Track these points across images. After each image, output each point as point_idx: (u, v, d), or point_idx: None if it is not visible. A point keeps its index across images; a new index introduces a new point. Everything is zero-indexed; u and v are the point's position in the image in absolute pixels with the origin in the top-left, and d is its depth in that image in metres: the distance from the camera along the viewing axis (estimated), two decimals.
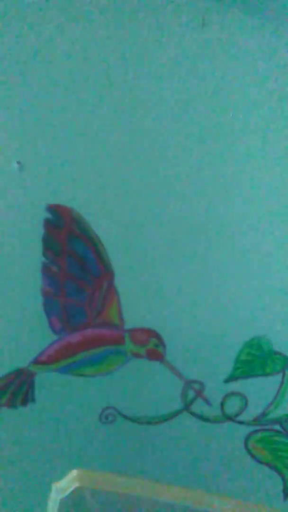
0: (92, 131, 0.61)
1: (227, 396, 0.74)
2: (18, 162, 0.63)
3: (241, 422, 0.75)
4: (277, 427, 0.75)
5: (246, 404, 0.74)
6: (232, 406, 0.74)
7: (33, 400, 0.74)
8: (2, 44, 0.58)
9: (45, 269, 0.67)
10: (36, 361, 0.72)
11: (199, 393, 0.74)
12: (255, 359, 0.71)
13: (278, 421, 0.74)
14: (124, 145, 0.62)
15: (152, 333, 0.70)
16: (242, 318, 0.70)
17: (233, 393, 0.74)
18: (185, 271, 0.67)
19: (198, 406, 0.75)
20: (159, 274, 0.68)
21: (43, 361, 0.72)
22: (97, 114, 0.60)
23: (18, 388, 0.73)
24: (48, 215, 0.65)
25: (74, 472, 0.79)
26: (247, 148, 0.60)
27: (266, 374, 0.72)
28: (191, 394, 0.74)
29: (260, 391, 0.73)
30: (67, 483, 0.79)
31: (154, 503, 0.79)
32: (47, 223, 0.65)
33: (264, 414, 0.74)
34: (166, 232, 0.66)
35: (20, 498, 0.78)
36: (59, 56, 0.58)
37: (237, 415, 0.75)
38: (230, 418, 0.75)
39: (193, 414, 0.75)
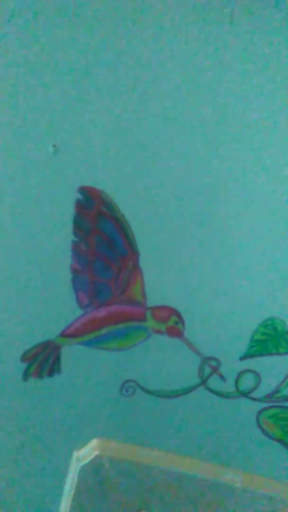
0: (123, 119, 0.65)
1: (242, 373, 0.77)
2: (54, 146, 0.67)
3: (254, 398, 0.79)
4: None
5: (259, 381, 0.78)
6: (246, 382, 0.78)
7: (59, 371, 0.78)
8: (41, 33, 0.61)
9: (75, 247, 0.71)
10: (63, 334, 0.76)
11: (215, 370, 0.77)
12: (269, 339, 0.75)
13: None
14: (153, 132, 0.65)
15: (172, 311, 0.74)
16: (258, 299, 0.73)
17: (247, 371, 0.77)
18: (205, 254, 0.71)
19: (214, 382, 0.78)
20: (181, 256, 0.72)
21: (70, 334, 0.76)
22: (128, 103, 0.64)
23: (46, 359, 0.77)
24: (79, 196, 0.69)
25: (94, 441, 0.83)
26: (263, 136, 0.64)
27: (279, 353, 0.76)
28: (207, 370, 0.78)
29: (273, 369, 0.77)
30: (87, 451, 0.83)
31: (168, 473, 0.84)
32: (78, 204, 0.69)
33: (276, 391, 0.78)
34: (189, 216, 0.69)
35: (44, 464, 0.83)
36: (95, 44, 0.62)
37: (250, 391, 0.79)
38: (243, 394, 0.79)
39: (208, 389, 0.79)
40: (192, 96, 0.63)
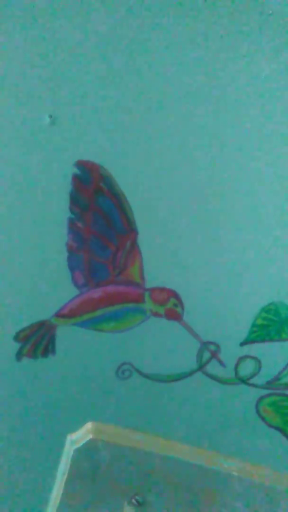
0: (123, 90, 0.62)
1: (242, 359, 0.75)
2: (50, 116, 0.64)
3: (253, 385, 0.77)
4: None
5: (259, 367, 0.76)
6: (246, 369, 0.76)
7: (53, 352, 0.77)
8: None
9: (71, 224, 0.69)
10: (58, 314, 0.74)
11: (214, 355, 0.75)
12: (272, 324, 0.73)
13: None
14: (155, 104, 0.62)
15: (171, 293, 0.72)
16: (261, 283, 0.71)
17: (247, 356, 0.75)
18: (206, 234, 0.69)
19: (213, 367, 0.76)
20: (181, 236, 0.69)
21: (65, 314, 0.74)
22: (127, 73, 0.61)
23: (40, 340, 0.76)
24: (76, 170, 0.66)
25: (88, 425, 0.82)
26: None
27: (281, 340, 0.73)
28: (206, 355, 0.76)
29: (274, 355, 0.74)
30: (81, 434, 0.82)
31: (164, 458, 0.82)
32: (75, 179, 0.66)
33: (277, 378, 0.76)
34: (190, 194, 0.66)
35: (37, 447, 0.81)
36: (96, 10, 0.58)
37: (250, 378, 0.76)
38: (243, 380, 0.77)
39: (207, 374, 0.77)
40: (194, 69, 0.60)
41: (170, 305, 0.72)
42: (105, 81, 0.61)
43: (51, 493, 0.82)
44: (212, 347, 0.75)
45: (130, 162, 0.65)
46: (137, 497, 0.83)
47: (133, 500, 0.82)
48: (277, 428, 0.79)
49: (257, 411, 0.79)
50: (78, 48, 0.60)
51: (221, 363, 0.76)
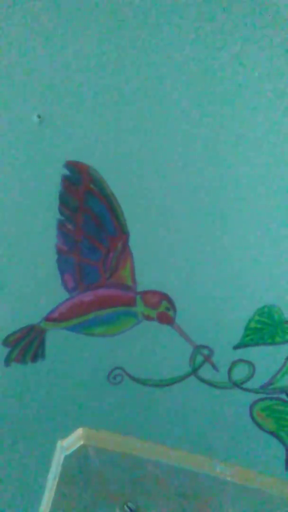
0: (113, 90, 0.61)
1: (235, 363, 0.74)
2: (39, 116, 0.62)
3: (247, 389, 0.76)
4: (283, 396, 0.75)
5: (253, 371, 0.74)
6: (240, 373, 0.75)
7: (43, 356, 0.75)
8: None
9: (61, 226, 0.67)
10: (47, 318, 0.72)
11: (207, 359, 0.74)
12: (265, 328, 0.72)
13: (284, 390, 0.75)
14: (145, 105, 0.61)
15: (164, 296, 0.71)
16: (254, 286, 0.70)
17: (241, 360, 0.74)
18: (199, 237, 0.67)
19: (206, 372, 0.75)
20: (173, 238, 0.68)
21: (55, 318, 0.72)
22: (117, 73, 0.60)
23: (29, 344, 0.74)
24: (65, 171, 0.64)
25: (79, 431, 0.80)
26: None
27: (275, 343, 0.72)
28: (199, 359, 0.74)
29: (268, 359, 0.74)
30: (72, 441, 0.81)
31: (156, 465, 0.81)
32: (65, 180, 0.65)
33: (271, 382, 0.75)
34: (183, 195, 0.65)
35: (26, 454, 0.80)
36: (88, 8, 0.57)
37: (244, 382, 0.75)
38: (237, 385, 0.76)
39: (200, 379, 0.76)
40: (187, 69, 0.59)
41: (162, 308, 0.71)
42: (95, 81, 0.60)
43: (41, 500, 0.80)
44: (205, 351, 0.74)
45: (120, 163, 0.64)
46: (129, 504, 0.81)
47: (125, 507, 0.81)
48: (271, 433, 0.78)
49: (251, 416, 0.77)
50: (68, 47, 0.59)
51: (214, 367, 0.75)
